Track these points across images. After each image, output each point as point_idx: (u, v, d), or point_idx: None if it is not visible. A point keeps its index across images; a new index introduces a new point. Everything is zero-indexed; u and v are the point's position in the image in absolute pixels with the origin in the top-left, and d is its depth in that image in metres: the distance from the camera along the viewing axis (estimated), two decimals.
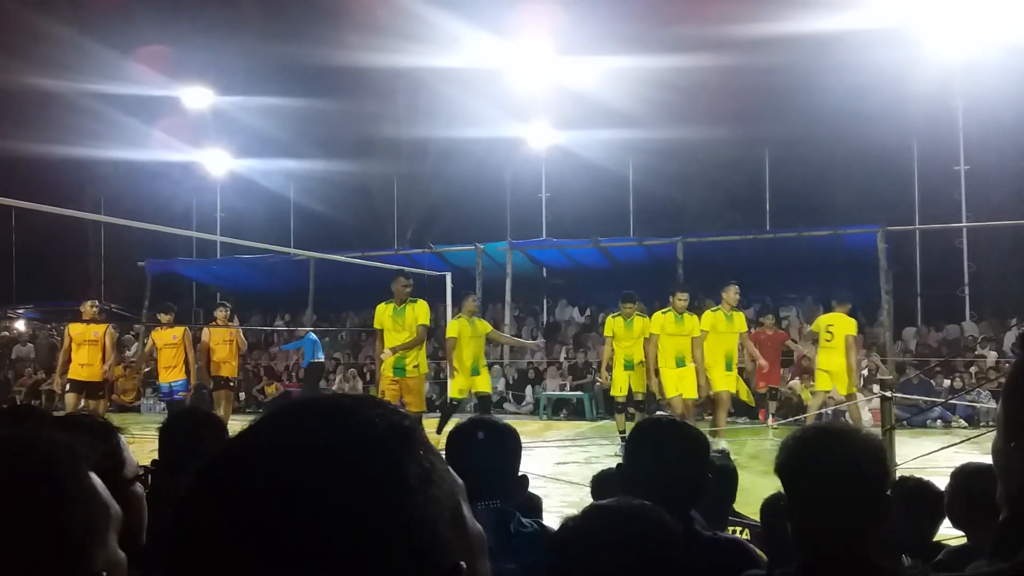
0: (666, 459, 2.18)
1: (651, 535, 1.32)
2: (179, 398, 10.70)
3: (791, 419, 9.48)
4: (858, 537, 1.57)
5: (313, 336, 15.81)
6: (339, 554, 0.59)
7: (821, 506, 1.57)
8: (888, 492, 1.68)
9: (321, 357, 15.85)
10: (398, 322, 9.11)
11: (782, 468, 1.67)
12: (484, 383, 10.41)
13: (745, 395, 15.38)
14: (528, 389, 17.23)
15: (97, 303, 11.09)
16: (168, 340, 10.83)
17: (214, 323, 11.55)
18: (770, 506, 2.59)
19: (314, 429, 0.64)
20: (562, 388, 16.73)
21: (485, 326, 10.63)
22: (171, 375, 10.79)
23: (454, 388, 10.41)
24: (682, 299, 10.13)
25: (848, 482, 1.58)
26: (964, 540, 2.51)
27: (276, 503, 0.59)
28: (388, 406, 0.68)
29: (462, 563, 0.63)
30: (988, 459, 1.09)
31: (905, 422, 11.87)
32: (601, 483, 3.16)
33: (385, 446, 0.64)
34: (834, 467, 1.59)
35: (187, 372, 10.87)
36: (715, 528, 2.62)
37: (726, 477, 2.96)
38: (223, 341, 11.24)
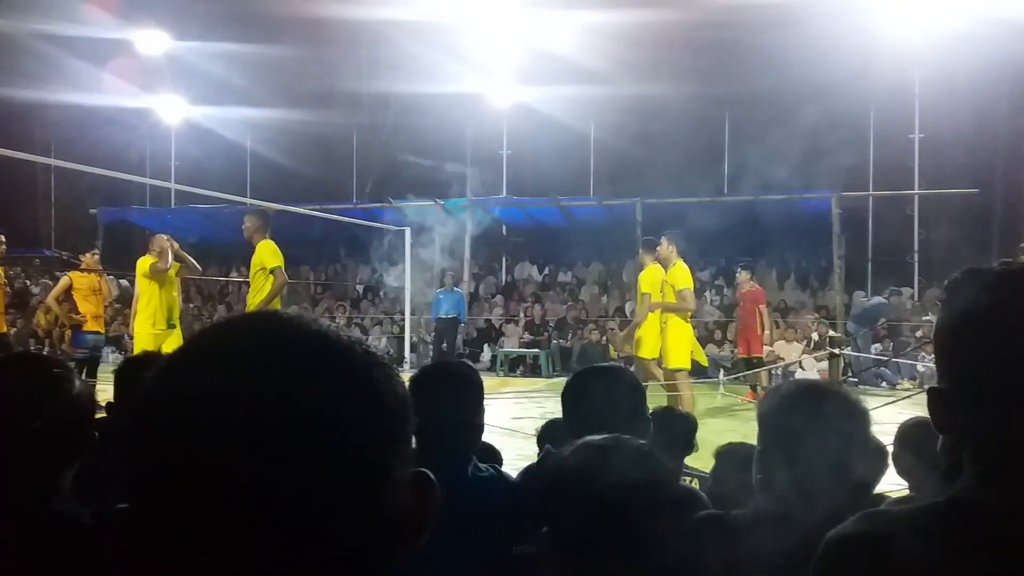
0: (603, 403, 2.23)
1: (647, 468, 1.39)
2: (98, 353, 10.04)
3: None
4: (823, 488, 1.65)
5: (442, 294, 15.86)
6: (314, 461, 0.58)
7: (797, 457, 1.64)
8: (858, 456, 1.76)
9: (445, 313, 15.73)
10: None
11: (765, 416, 1.75)
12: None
13: (699, 356, 15.65)
14: (485, 346, 17.34)
15: None
16: (94, 286, 9.86)
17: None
18: (723, 456, 2.70)
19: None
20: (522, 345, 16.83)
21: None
22: (99, 325, 9.94)
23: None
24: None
25: (826, 439, 1.64)
26: (906, 492, 2.66)
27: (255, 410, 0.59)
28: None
29: (426, 471, 0.66)
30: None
31: (851, 377, 12.17)
32: (548, 431, 3.15)
33: (360, 355, 0.64)
34: (818, 422, 1.66)
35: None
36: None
37: (688, 427, 3.06)
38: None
